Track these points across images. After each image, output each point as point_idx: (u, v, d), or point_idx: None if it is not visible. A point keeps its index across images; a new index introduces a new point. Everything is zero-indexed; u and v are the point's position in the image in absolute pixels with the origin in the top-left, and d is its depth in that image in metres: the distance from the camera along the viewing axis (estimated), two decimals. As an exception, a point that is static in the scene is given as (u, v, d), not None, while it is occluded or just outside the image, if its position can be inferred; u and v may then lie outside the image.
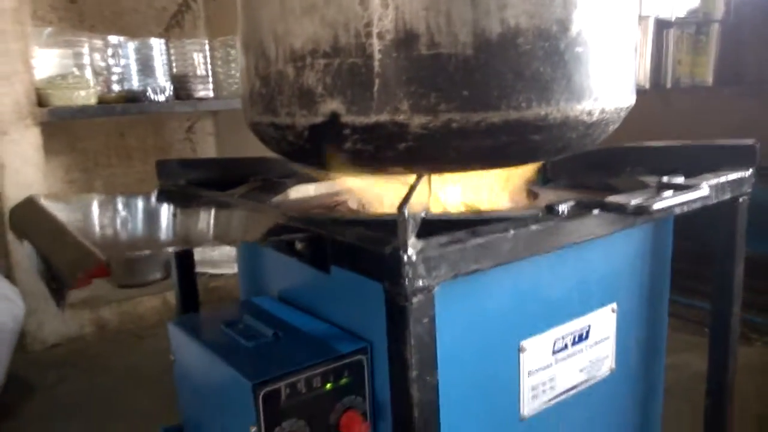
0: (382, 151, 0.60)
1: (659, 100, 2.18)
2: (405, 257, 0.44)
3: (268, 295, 0.76)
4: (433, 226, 0.51)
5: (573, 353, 0.68)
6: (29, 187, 1.63)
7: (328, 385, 0.58)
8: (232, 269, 2.04)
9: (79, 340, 1.76)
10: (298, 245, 0.54)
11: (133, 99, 1.87)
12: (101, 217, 0.61)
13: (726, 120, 1.95)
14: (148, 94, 1.90)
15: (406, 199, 0.46)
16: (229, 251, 2.17)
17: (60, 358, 1.67)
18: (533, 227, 0.52)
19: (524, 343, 0.63)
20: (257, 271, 0.79)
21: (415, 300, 0.45)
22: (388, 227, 0.48)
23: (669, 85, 2.19)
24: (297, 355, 0.59)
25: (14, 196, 1.60)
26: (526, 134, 0.59)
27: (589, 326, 0.70)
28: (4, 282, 1.38)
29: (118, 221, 0.59)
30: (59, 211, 0.59)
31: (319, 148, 0.63)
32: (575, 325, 0.68)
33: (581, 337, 0.69)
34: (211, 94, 2.04)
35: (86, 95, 1.75)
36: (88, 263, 0.38)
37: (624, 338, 0.74)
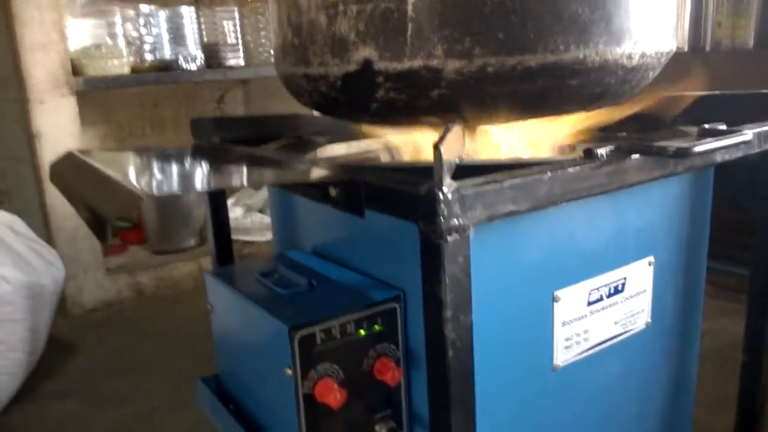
0: (415, 100, 0.60)
1: (699, 63, 2.11)
2: (440, 195, 0.44)
3: (301, 250, 0.77)
4: (468, 171, 0.50)
5: (608, 305, 0.68)
6: (66, 155, 1.66)
7: (362, 332, 0.58)
8: (265, 237, 2.06)
9: (117, 305, 1.80)
10: (332, 191, 0.55)
11: (165, 68, 1.89)
12: (137, 168, 0.62)
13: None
14: (179, 63, 1.91)
15: (441, 139, 0.46)
16: (261, 219, 2.19)
17: (99, 321, 1.71)
18: (571, 170, 0.51)
19: (558, 293, 0.63)
20: (290, 226, 0.80)
21: (450, 239, 0.45)
22: (423, 172, 0.48)
23: (708, 48, 2.12)
24: (331, 303, 0.59)
25: (52, 163, 1.63)
26: (563, 78, 0.57)
27: (626, 279, 0.69)
28: (44, 246, 1.42)
29: (154, 172, 0.60)
30: (97, 163, 0.59)
31: (352, 98, 0.63)
32: (611, 277, 0.67)
33: (617, 290, 0.68)
34: (241, 62, 2.04)
35: (119, 65, 1.77)
36: (126, 197, 0.38)
37: (661, 292, 0.73)
